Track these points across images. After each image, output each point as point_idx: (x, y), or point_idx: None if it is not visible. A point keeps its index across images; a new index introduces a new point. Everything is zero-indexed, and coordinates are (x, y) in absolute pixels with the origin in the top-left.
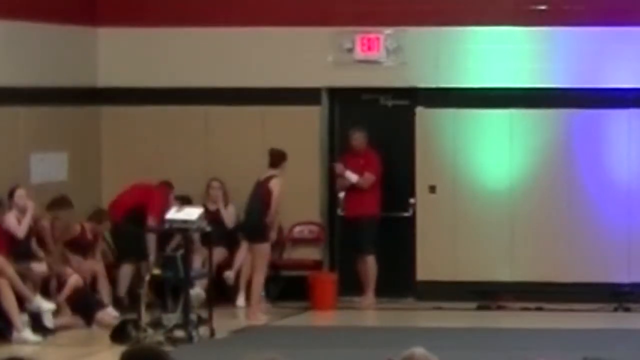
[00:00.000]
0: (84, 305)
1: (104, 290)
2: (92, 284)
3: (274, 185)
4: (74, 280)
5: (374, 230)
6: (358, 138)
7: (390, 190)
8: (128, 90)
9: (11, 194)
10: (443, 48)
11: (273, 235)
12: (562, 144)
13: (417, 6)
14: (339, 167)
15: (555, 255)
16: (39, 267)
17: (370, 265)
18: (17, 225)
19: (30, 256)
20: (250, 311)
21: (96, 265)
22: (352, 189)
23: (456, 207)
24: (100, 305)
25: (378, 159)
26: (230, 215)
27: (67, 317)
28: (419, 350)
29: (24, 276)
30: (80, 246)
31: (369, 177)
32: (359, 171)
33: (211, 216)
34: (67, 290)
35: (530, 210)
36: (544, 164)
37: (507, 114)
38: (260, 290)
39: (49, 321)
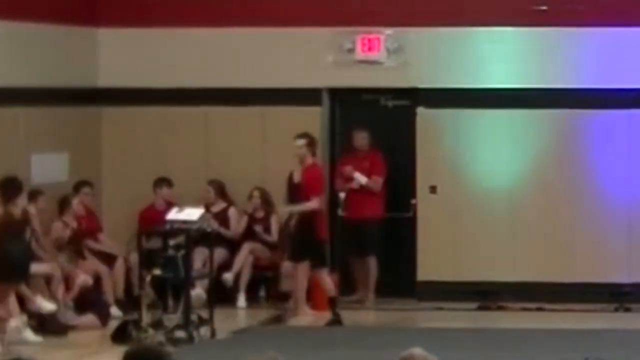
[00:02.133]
0: (94, 304)
1: (107, 290)
2: (94, 284)
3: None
4: (82, 279)
5: (377, 232)
6: (361, 138)
7: (391, 190)
8: (128, 90)
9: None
10: (443, 48)
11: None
12: (562, 144)
13: (418, 6)
14: (347, 169)
15: (555, 256)
16: (40, 268)
17: (371, 266)
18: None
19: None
20: (298, 310)
21: (98, 265)
22: (355, 190)
23: (457, 207)
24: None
25: (383, 161)
26: (233, 217)
27: (82, 317)
28: (417, 351)
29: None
30: (71, 246)
31: (379, 180)
32: (364, 173)
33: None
34: (74, 292)
35: (531, 210)
36: (544, 164)
37: (508, 114)
38: (304, 289)
39: (64, 318)
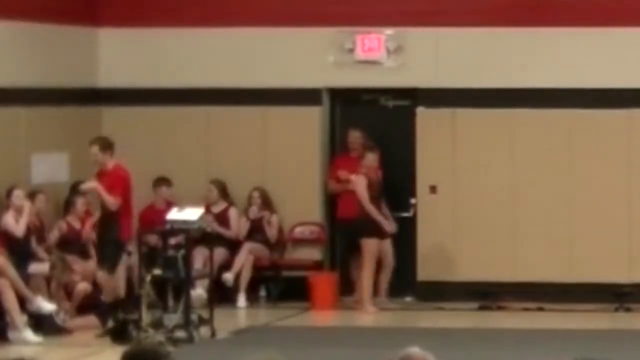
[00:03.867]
0: (95, 306)
1: None
2: (95, 285)
3: (356, 182)
4: (82, 287)
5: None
6: (355, 137)
7: (391, 190)
8: (129, 90)
9: (8, 194)
10: (443, 48)
11: (386, 227)
12: (562, 144)
13: (417, 6)
14: (342, 173)
15: (555, 255)
16: (40, 268)
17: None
18: (15, 224)
19: (30, 256)
20: (360, 305)
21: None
22: (348, 190)
23: (457, 207)
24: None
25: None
26: (233, 217)
27: (83, 319)
28: (415, 350)
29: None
30: (74, 246)
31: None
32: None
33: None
34: (76, 300)
35: (531, 210)
36: (544, 164)
37: (508, 114)
38: (368, 286)
39: (60, 320)
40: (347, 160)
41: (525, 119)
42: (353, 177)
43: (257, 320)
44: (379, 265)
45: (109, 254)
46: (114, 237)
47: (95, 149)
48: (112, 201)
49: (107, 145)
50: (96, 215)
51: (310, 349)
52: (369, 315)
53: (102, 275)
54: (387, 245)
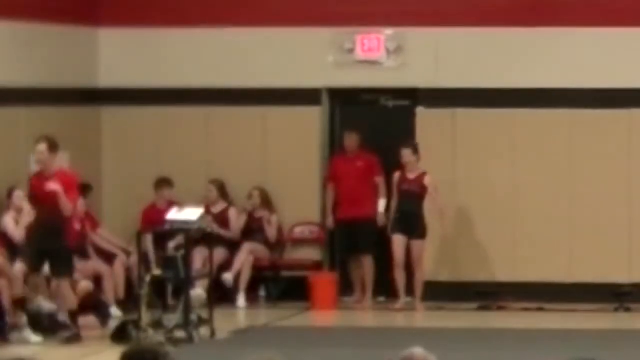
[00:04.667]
0: (95, 306)
1: (108, 291)
2: (95, 285)
3: (429, 182)
4: (84, 286)
5: (372, 232)
6: (351, 139)
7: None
8: (129, 90)
9: (9, 195)
10: (443, 48)
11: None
12: (562, 144)
13: (417, 6)
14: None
15: (555, 255)
16: None
17: (367, 265)
18: (15, 227)
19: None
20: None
21: (100, 265)
22: (348, 189)
23: (457, 207)
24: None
25: (379, 161)
26: (233, 218)
27: (83, 318)
28: (417, 351)
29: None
30: (74, 247)
31: (381, 181)
32: (358, 173)
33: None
34: (78, 298)
35: (531, 210)
36: (544, 164)
37: (508, 114)
38: (400, 282)
39: (62, 319)
40: (344, 161)
41: (525, 119)
42: (379, 212)
43: (257, 320)
44: (410, 266)
45: (65, 262)
46: (63, 244)
47: (43, 147)
48: (69, 206)
49: (54, 146)
50: (27, 219)
51: (310, 349)
52: (398, 312)
53: (65, 286)
54: (415, 245)
